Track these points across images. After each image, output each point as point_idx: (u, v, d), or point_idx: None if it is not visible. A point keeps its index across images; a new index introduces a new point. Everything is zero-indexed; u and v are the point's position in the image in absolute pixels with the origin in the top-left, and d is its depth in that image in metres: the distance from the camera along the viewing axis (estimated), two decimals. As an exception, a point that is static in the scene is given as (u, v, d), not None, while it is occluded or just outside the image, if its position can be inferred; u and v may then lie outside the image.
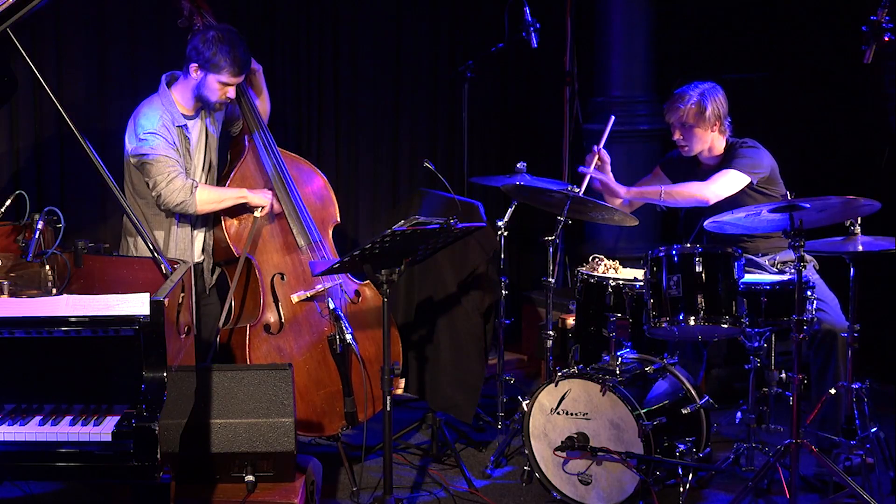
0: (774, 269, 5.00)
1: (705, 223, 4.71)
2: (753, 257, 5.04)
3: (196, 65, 4.62)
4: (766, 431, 4.96)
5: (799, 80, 6.54)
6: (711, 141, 5.19)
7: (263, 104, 5.03)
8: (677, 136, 5.23)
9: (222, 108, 4.83)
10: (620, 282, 5.01)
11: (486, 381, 5.32)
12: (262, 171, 4.87)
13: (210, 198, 4.68)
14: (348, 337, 4.69)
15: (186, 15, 4.79)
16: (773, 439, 5.00)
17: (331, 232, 5.01)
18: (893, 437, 4.91)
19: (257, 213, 4.74)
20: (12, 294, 3.70)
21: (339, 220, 5.05)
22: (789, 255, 4.94)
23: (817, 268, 5.18)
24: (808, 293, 4.60)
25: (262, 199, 4.74)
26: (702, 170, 5.26)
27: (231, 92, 4.68)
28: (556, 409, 4.62)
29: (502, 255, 5.32)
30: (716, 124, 5.15)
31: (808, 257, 5.11)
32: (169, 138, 4.63)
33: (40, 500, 4.38)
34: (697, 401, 4.75)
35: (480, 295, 5.06)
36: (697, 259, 4.60)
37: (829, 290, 5.04)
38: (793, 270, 4.49)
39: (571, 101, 6.95)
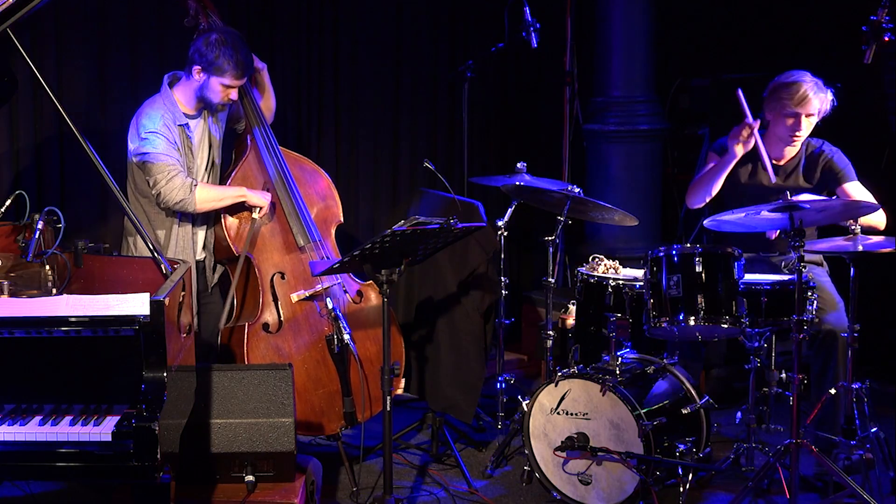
0: (785, 270, 5.00)
1: (705, 222, 4.71)
2: (768, 256, 5.04)
3: (199, 67, 4.63)
4: (766, 431, 4.96)
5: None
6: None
7: (268, 102, 5.05)
8: (793, 123, 4.95)
9: (225, 108, 4.85)
10: (620, 282, 5.01)
11: (486, 381, 5.31)
12: (263, 171, 4.88)
13: (209, 196, 4.69)
14: (346, 337, 4.68)
15: (192, 14, 4.81)
16: (773, 439, 5.00)
17: (333, 231, 5.01)
18: (893, 437, 4.91)
19: (255, 214, 4.75)
20: (12, 294, 3.69)
21: (342, 219, 5.05)
22: (811, 257, 4.90)
23: (828, 271, 5.15)
24: (808, 293, 4.60)
25: (260, 199, 4.76)
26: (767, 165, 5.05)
27: (233, 94, 4.69)
28: (556, 409, 4.62)
29: (502, 255, 5.31)
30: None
31: (818, 258, 5.11)
32: (170, 138, 4.64)
33: (40, 500, 4.38)
34: (697, 401, 4.75)
35: (480, 295, 5.06)
36: (697, 259, 4.60)
37: (836, 293, 5.02)
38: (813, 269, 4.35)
39: (571, 101, 6.94)
